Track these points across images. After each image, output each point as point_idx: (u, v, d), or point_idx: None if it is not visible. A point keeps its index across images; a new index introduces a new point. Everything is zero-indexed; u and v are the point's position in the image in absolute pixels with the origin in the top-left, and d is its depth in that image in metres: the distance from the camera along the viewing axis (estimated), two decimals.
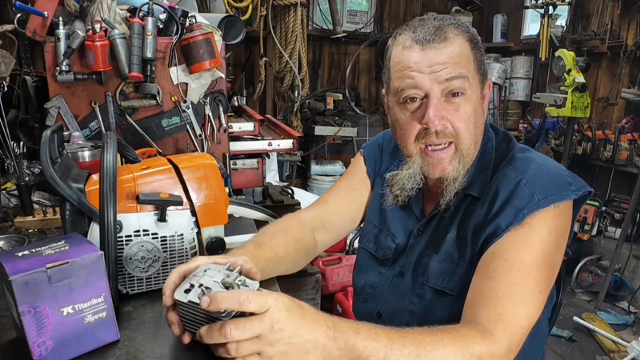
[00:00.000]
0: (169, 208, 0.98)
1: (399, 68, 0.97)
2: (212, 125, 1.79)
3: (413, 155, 1.00)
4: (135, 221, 0.95)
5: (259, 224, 1.22)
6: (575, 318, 3.17)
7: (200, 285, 0.72)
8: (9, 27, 1.73)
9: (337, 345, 0.71)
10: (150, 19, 1.58)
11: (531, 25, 5.27)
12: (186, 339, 0.76)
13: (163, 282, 0.98)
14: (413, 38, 0.95)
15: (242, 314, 0.68)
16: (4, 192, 1.63)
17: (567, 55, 3.62)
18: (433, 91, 0.94)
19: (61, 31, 1.56)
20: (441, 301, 1.00)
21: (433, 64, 0.93)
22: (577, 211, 0.97)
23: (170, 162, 1.05)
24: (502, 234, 0.90)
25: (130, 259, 0.95)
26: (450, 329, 0.81)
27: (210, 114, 1.78)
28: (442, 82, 0.93)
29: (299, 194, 3.01)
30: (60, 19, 1.57)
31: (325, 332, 0.70)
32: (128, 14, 1.68)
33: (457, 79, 0.93)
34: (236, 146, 2.01)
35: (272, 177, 3.96)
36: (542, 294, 0.88)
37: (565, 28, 4.53)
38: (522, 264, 0.87)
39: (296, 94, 4.15)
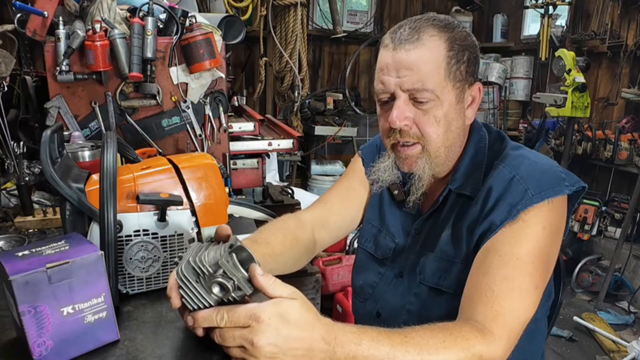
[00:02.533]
0: (169, 208, 0.98)
1: (377, 69, 1.00)
2: (212, 125, 1.79)
3: (388, 150, 1.05)
4: (136, 221, 0.95)
5: (259, 223, 1.22)
6: (575, 318, 3.17)
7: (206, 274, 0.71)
8: (9, 27, 1.73)
9: (337, 358, 0.71)
10: (150, 19, 1.58)
11: (531, 25, 5.27)
12: (199, 332, 0.76)
13: (163, 282, 0.99)
14: (392, 38, 0.97)
15: (243, 300, 0.71)
16: (4, 192, 1.63)
17: (567, 55, 3.62)
18: (398, 94, 0.96)
19: (61, 31, 1.56)
20: (438, 299, 1.00)
21: (400, 68, 0.94)
22: (572, 207, 0.97)
23: (170, 162, 1.05)
24: (496, 230, 0.91)
25: (130, 258, 0.95)
26: (451, 328, 0.81)
27: (211, 114, 1.78)
28: (405, 90, 0.95)
29: (299, 194, 3.01)
30: (60, 18, 1.57)
31: (322, 348, 0.70)
32: (128, 14, 1.68)
33: (420, 92, 0.94)
34: (236, 146, 2.01)
35: (272, 177, 3.96)
36: (538, 289, 0.88)
37: (565, 28, 4.53)
38: (518, 260, 0.87)
39: (296, 93, 4.15)
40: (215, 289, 0.70)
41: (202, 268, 0.71)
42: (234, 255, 0.70)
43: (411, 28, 0.95)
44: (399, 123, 0.96)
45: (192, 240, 1.01)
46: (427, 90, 0.94)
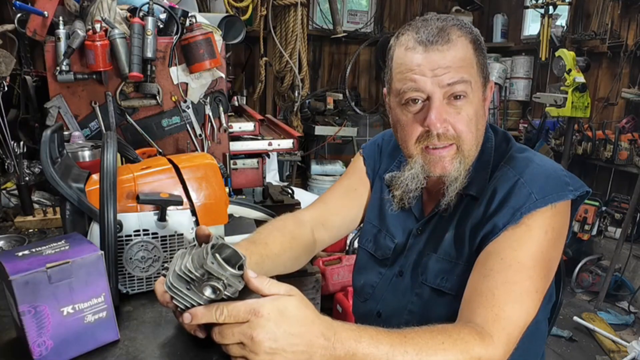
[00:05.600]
0: (169, 208, 0.98)
1: (401, 70, 0.96)
2: (212, 125, 1.79)
3: (414, 155, 1.00)
4: (136, 221, 0.95)
5: (259, 223, 1.22)
6: (575, 318, 3.17)
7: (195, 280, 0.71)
8: (9, 26, 1.73)
9: (336, 355, 0.71)
10: (150, 19, 1.58)
11: (531, 25, 5.27)
12: (200, 333, 0.76)
13: None
14: (416, 39, 0.94)
15: (240, 297, 0.71)
16: (4, 192, 1.63)
17: (567, 55, 3.62)
18: (435, 94, 0.93)
19: (61, 31, 1.56)
20: (440, 300, 1.00)
21: (435, 67, 0.92)
22: (576, 211, 0.97)
23: (171, 161, 1.05)
24: (499, 233, 0.91)
25: (130, 258, 0.95)
26: (450, 330, 0.81)
27: (211, 114, 1.78)
28: (444, 86, 0.93)
29: (299, 193, 3.01)
30: (61, 18, 1.57)
31: (321, 344, 0.70)
32: (128, 14, 1.68)
33: (459, 84, 0.93)
34: (236, 146, 2.01)
35: (272, 177, 3.96)
36: (539, 293, 0.88)
37: (565, 28, 4.53)
38: (519, 263, 0.87)
39: (296, 93, 4.15)
40: (207, 292, 0.70)
41: (190, 274, 0.71)
42: (217, 255, 0.70)
43: (438, 28, 0.93)
44: (439, 125, 0.94)
45: (192, 241, 1.01)
46: (465, 81, 0.93)
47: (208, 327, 0.73)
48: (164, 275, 0.77)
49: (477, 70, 0.96)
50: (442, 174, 0.99)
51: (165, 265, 0.96)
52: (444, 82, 0.92)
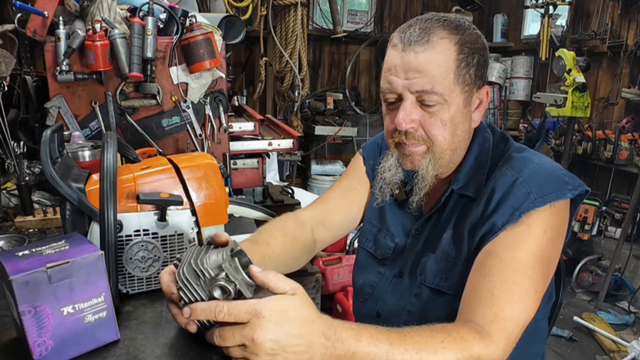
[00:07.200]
0: (169, 208, 0.98)
1: (384, 68, 0.98)
2: (212, 125, 1.79)
3: (391, 149, 1.04)
4: (136, 221, 0.95)
5: (259, 223, 1.22)
6: (575, 318, 3.17)
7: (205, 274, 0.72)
8: (9, 26, 1.73)
9: (337, 354, 0.71)
10: (150, 19, 1.58)
11: (531, 25, 5.28)
12: (192, 327, 0.76)
13: None
14: (400, 38, 0.95)
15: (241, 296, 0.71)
16: (4, 191, 1.63)
17: (567, 55, 3.62)
18: (406, 96, 0.95)
19: (61, 31, 1.56)
20: (439, 300, 1.00)
21: (408, 70, 0.93)
22: (575, 210, 0.97)
23: (171, 161, 1.05)
24: (498, 232, 0.91)
25: (131, 258, 0.95)
26: (450, 329, 0.81)
27: (211, 114, 1.78)
28: (414, 92, 0.94)
29: (299, 193, 3.01)
30: (61, 18, 1.57)
31: (322, 344, 0.70)
32: (128, 14, 1.68)
33: (429, 94, 0.93)
34: (236, 146, 2.01)
35: (272, 176, 3.96)
36: (538, 292, 0.88)
37: (565, 28, 4.53)
38: (518, 263, 0.87)
39: (296, 93, 4.15)
40: (217, 292, 0.70)
41: (204, 271, 0.71)
42: (236, 259, 0.71)
43: (421, 29, 0.93)
44: (405, 125, 0.95)
45: (192, 240, 1.01)
46: (435, 93, 0.92)
47: (206, 329, 0.73)
48: (175, 265, 0.78)
49: (456, 76, 0.93)
50: (412, 168, 1.02)
51: (168, 262, 0.97)
52: (413, 88, 0.93)
